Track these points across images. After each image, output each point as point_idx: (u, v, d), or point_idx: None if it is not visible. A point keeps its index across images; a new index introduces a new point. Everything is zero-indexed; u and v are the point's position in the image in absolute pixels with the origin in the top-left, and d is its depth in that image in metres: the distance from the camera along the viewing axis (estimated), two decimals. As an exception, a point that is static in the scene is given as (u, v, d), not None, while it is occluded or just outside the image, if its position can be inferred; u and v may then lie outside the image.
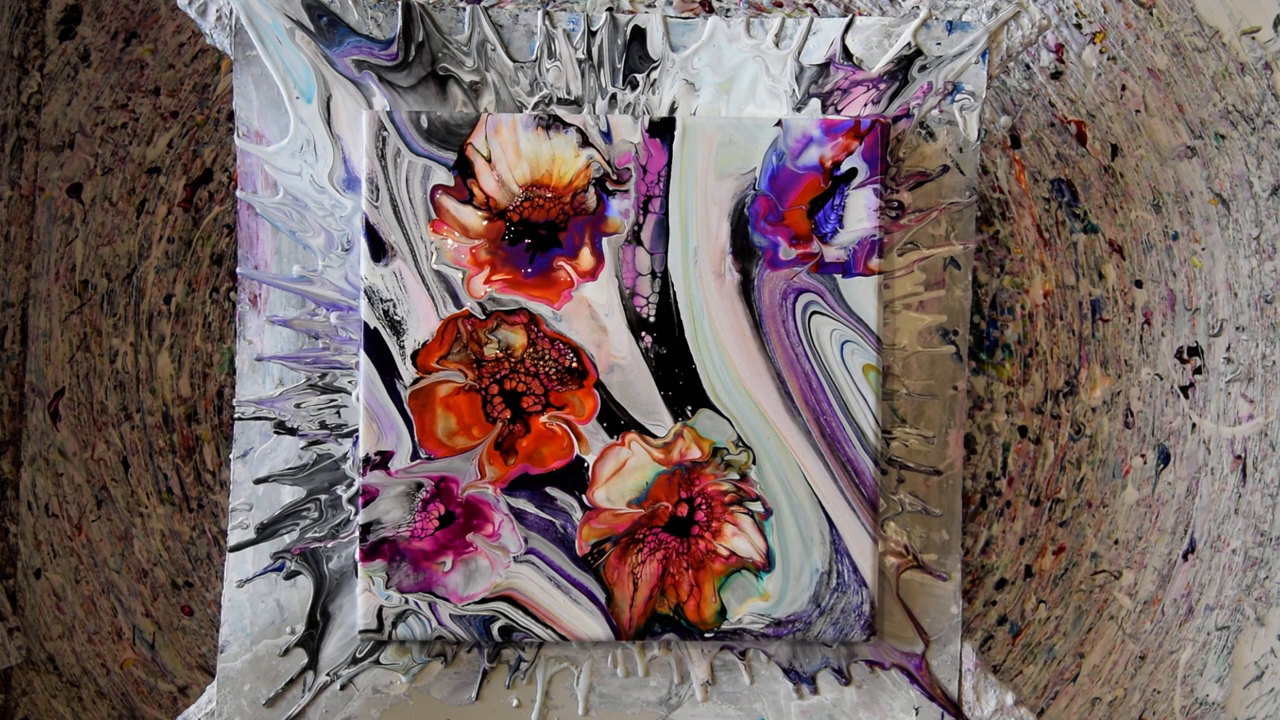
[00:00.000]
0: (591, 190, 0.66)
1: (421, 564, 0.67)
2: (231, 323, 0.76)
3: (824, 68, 0.68)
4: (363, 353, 0.66)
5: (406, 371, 0.66)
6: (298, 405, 0.68)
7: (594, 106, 0.68)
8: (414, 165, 0.66)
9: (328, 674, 0.68)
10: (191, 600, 0.77)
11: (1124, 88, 0.77)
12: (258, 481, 0.68)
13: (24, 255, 0.76)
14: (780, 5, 0.77)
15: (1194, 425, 0.78)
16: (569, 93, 0.68)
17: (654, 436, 0.67)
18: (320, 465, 0.68)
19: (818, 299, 0.67)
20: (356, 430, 0.67)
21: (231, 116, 0.73)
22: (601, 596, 0.67)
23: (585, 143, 0.66)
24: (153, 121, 0.76)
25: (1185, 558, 0.78)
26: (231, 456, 0.68)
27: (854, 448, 0.67)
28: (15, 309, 0.76)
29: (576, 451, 0.67)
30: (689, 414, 0.67)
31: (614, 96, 0.68)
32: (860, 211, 0.67)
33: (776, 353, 0.67)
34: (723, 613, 0.67)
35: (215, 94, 0.76)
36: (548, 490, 0.67)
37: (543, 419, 0.67)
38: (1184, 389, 0.78)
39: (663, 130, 0.66)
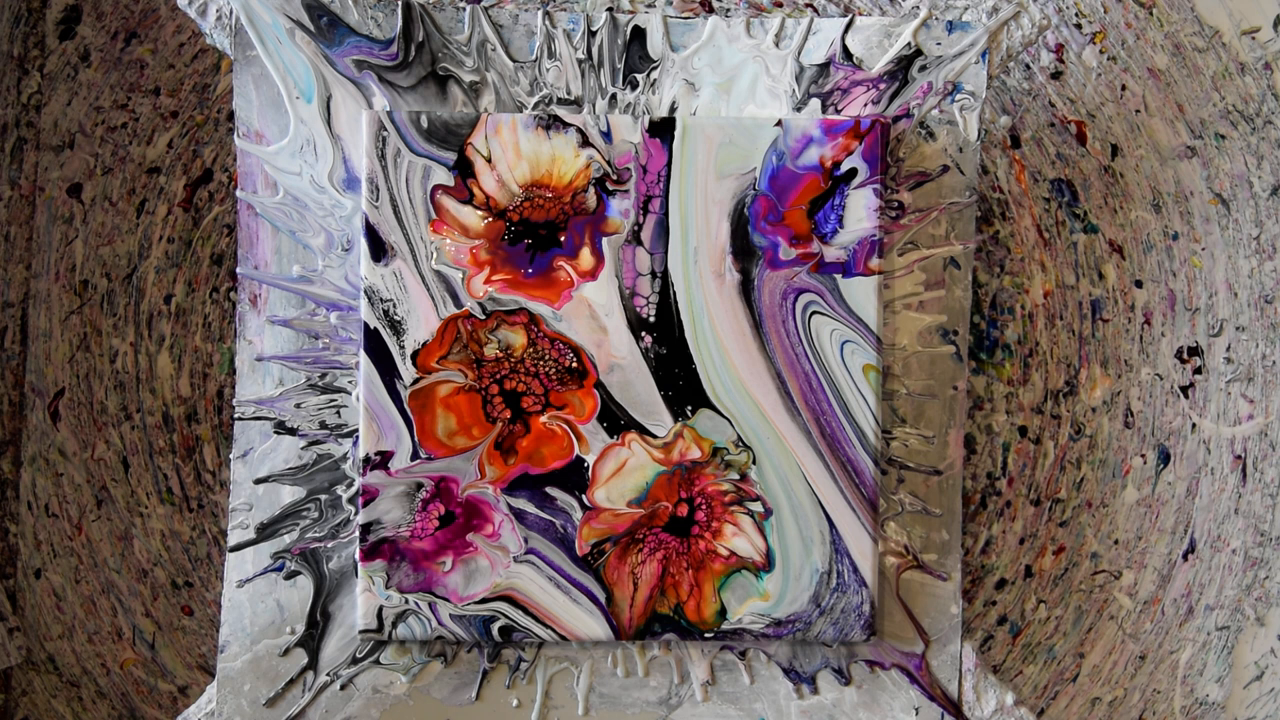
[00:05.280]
0: (591, 190, 0.66)
1: (421, 564, 0.67)
2: (231, 323, 0.76)
3: (824, 68, 0.68)
4: (363, 353, 0.66)
5: (406, 371, 0.66)
6: (298, 405, 0.68)
7: (594, 106, 0.68)
8: (414, 165, 0.66)
9: (328, 674, 0.68)
10: (191, 600, 0.77)
11: (1124, 88, 0.77)
12: (258, 481, 0.68)
13: (24, 255, 0.76)
14: (780, 5, 0.77)
15: (1194, 425, 0.78)
16: (569, 93, 0.68)
17: (654, 436, 0.67)
18: (320, 465, 0.68)
19: (818, 299, 0.67)
20: (356, 430, 0.67)
21: (231, 116, 0.73)
22: (601, 596, 0.67)
23: (585, 143, 0.66)
24: (153, 121, 0.76)
25: (1185, 558, 0.78)
26: (231, 456, 0.68)
27: (854, 448, 0.67)
28: (15, 309, 0.76)
29: (576, 451, 0.67)
30: (689, 414, 0.67)
31: (614, 96, 0.68)
32: (860, 211, 0.67)
33: (776, 353, 0.67)
34: (723, 613, 0.67)
35: (215, 94, 0.76)
36: (548, 490, 0.67)
37: (543, 419, 0.67)
38: (1184, 389, 0.78)
39: (663, 130, 0.66)
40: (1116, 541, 0.78)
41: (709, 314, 0.67)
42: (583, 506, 0.67)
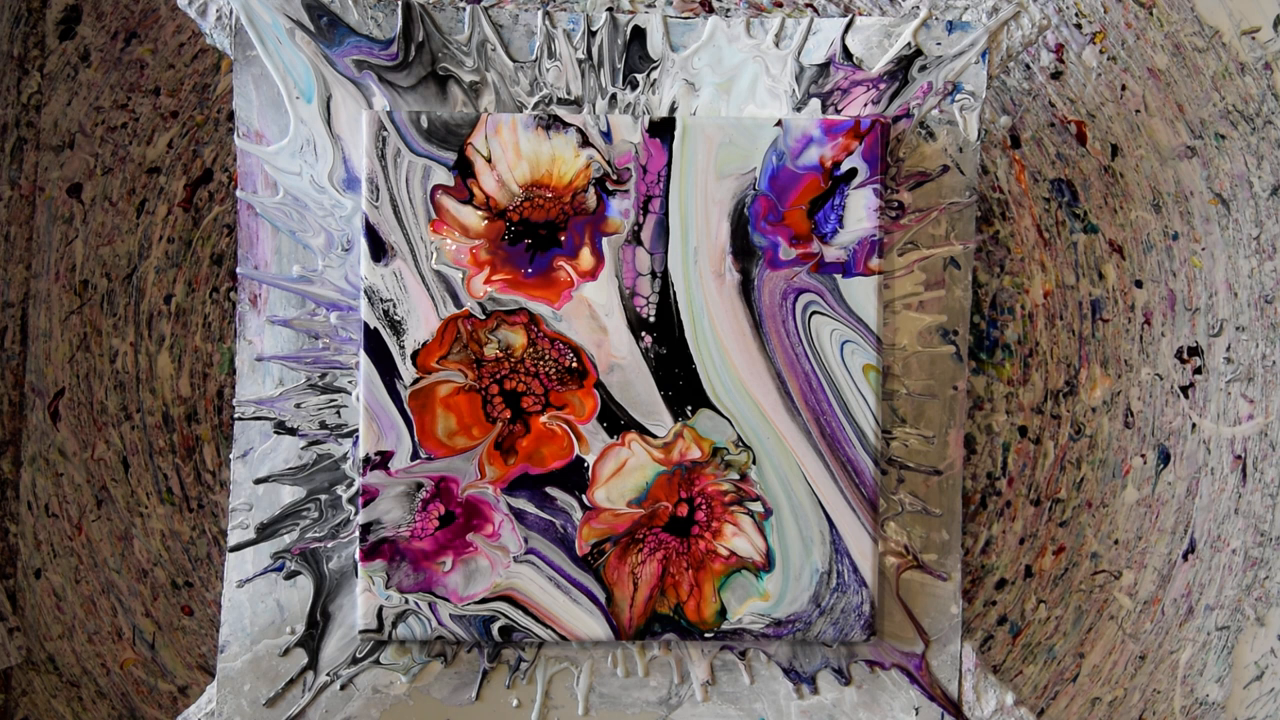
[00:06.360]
0: (591, 190, 0.66)
1: (421, 564, 0.67)
2: (231, 323, 0.76)
3: (824, 68, 0.68)
4: (363, 353, 0.66)
5: (406, 371, 0.66)
6: (298, 405, 0.68)
7: (594, 106, 0.68)
8: (414, 165, 0.66)
9: (328, 674, 0.68)
10: (191, 600, 0.77)
11: (1124, 88, 0.77)
12: (258, 481, 0.68)
13: (24, 255, 0.76)
14: (780, 5, 0.77)
15: (1194, 425, 0.78)
16: (569, 93, 0.68)
17: (654, 436, 0.67)
18: (320, 465, 0.68)
19: (818, 299, 0.67)
20: (356, 430, 0.67)
21: (231, 116, 0.73)
22: (601, 596, 0.67)
23: (585, 143, 0.66)
24: (153, 121, 0.76)
25: (1185, 558, 0.78)
26: (231, 456, 0.68)
27: (854, 448, 0.67)
28: (15, 309, 0.76)
29: (576, 451, 0.67)
30: (689, 414, 0.67)
31: (614, 96, 0.68)
32: (860, 211, 0.67)
33: (776, 353, 0.67)
34: (723, 613, 0.67)
35: (215, 94, 0.76)
36: (548, 490, 0.67)
37: (543, 419, 0.67)
38: (1184, 389, 0.78)
39: (663, 130, 0.66)
40: (1116, 541, 0.78)
41: (709, 314, 0.67)
42: (583, 506, 0.67)
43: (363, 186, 0.66)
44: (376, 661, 0.68)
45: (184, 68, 0.76)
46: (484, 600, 0.67)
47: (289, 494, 0.68)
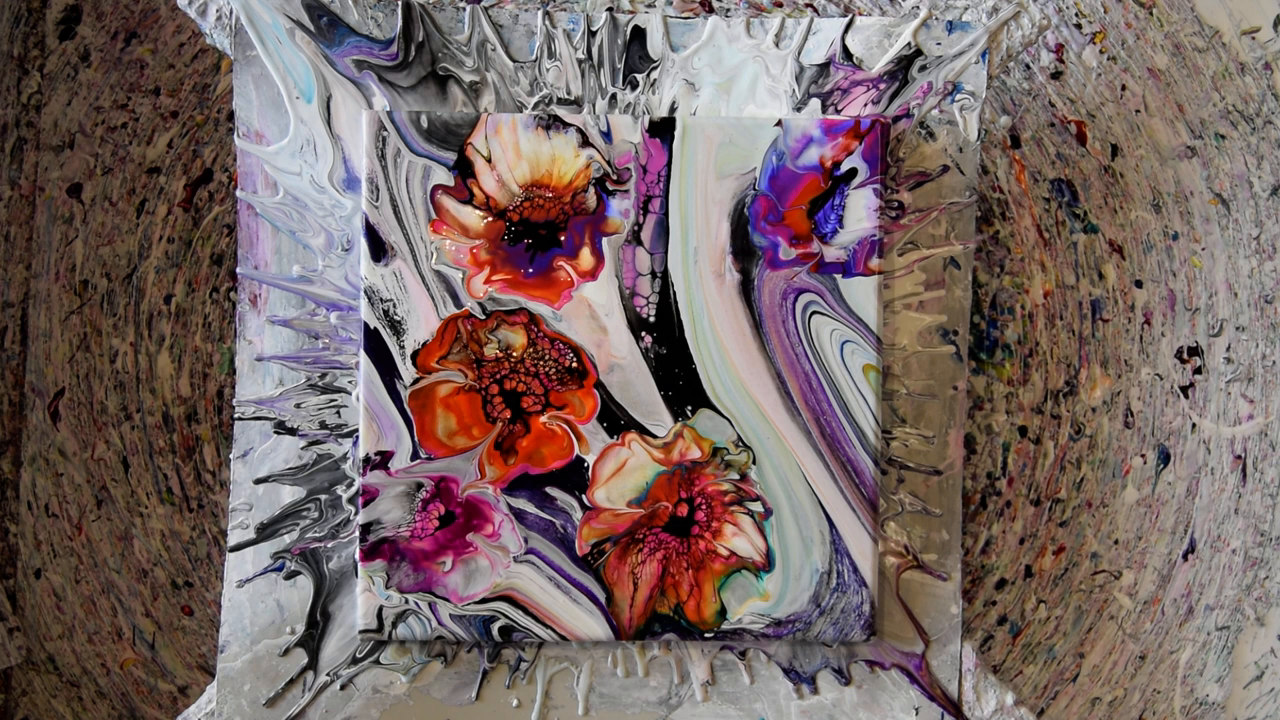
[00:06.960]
0: (591, 190, 0.66)
1: (421, 564, 0.67)
2: (231, 323, 0.76)
3: (824, 68, 0.68)
4: (363, 353, 0.66)
5: (406, 371, 0.66)
6: (298, 405, 0.68)
7: (594, 106, 0.68)
8: (414, 165, 0.66)
9: (328, 674, 0.68)
10: (191, 600, 0.77)
11: (1124, 88, 0.77)
12: (258, 481, 0.68)
13: (24, 255, 0.76)
14: (780, 5, 0.77)
15: (1194, 425, 0.78)
16: (569, 93, 0.68)
17: (654, 436, 0.67)
18: (320, 465, 0.68)
19: (818, 299, 0.67)
20: (356, 430, 0.67)
21: (231, 116, 0.73)
22: (601, 596, 0.67)
23: (585, 143, 0.66)
24: (153, 121, 0.76)
25: (1185, 558, 0.78)
26: (231, 456, 0.68)
27: (854, 448, 0.67)
28: (15, 309, 0.76)
29: (576, 451, 0.67)
30: (689, 414, 0.67)
31: (614, 96, 0.68)
32: (860, 211, 0.67)
33: (776, 353, 0.67)
34: (723, 613, 0.67)
35: (215, 94, 0.76)
36: (548, 490, 0.67)
37: (543, 419, 0.67)
38: (1184, 389, 0.78)
39: (663, 130, 0.66)
40: (1116, 541, 0.78)
41: (709, 314, 0.67)
42: (583, 506, 0.67)
43: (363, 186, 0.66)
44: (376, 661, 0.68)
45: (184, 68, 0.76)
46: (484, 600, 0.67)
47: (289, 494, 0.68)
